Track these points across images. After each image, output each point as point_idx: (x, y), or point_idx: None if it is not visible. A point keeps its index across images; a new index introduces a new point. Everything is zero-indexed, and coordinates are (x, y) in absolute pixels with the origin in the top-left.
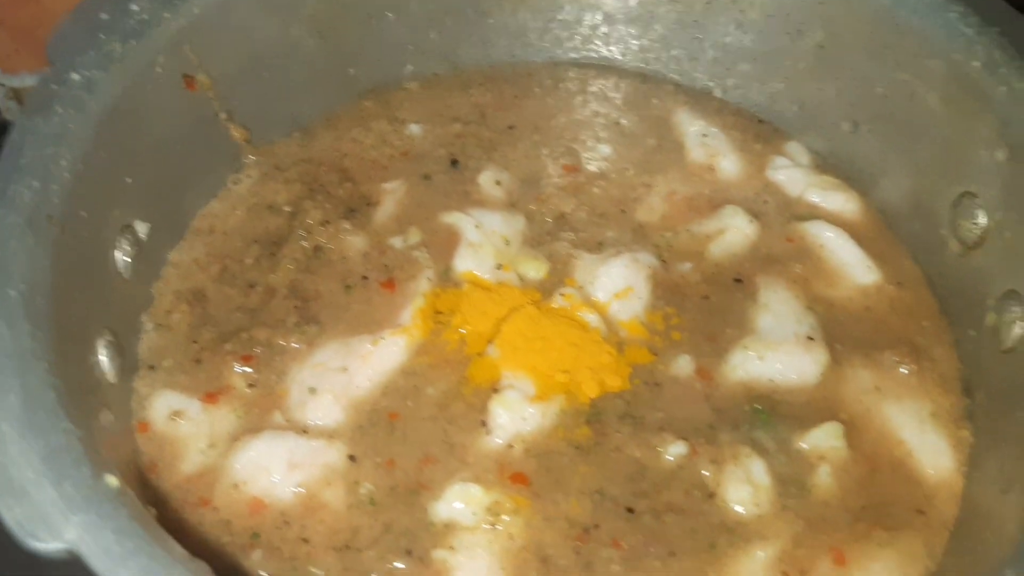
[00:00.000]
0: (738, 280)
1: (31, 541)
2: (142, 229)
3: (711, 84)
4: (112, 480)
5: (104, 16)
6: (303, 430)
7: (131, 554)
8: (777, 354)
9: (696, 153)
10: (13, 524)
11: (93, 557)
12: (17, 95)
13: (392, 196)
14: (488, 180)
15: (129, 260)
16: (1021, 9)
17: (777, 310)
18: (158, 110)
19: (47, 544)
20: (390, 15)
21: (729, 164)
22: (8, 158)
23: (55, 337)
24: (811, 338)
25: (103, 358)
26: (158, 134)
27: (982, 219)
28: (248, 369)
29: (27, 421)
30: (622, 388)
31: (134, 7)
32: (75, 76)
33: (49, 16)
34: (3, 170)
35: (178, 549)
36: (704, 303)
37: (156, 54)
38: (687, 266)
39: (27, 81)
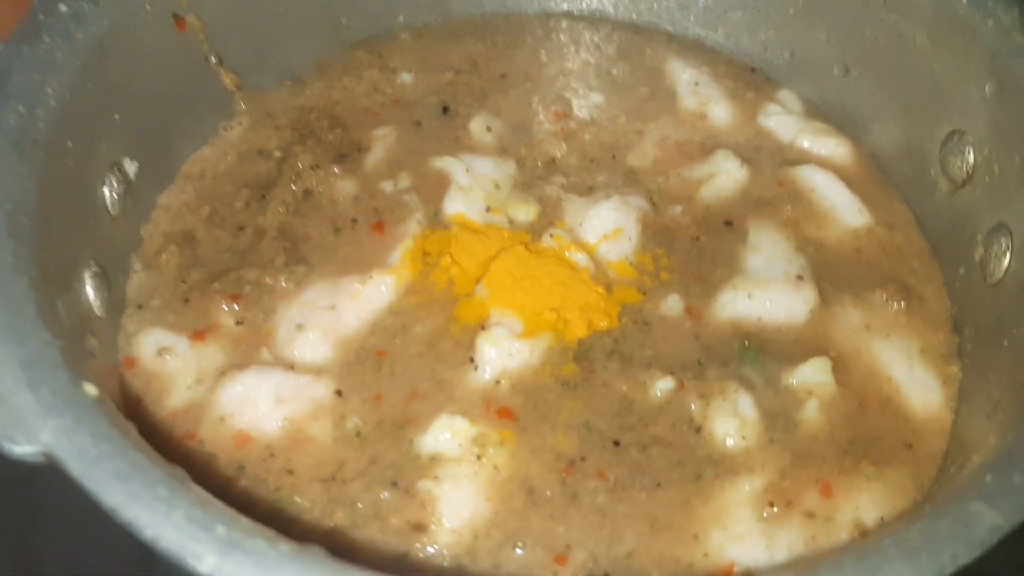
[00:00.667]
0: (728, 223)
1: (7, 444)
2: (131, 168)
3: (703, 33)
4: (90, 388)
5: None
6: (290, 366)
7: (107, 456)
8: (766, 293)
9: (688, 101)
10: None
11: (69, 459)
12: None
13: (383, 142)
14: (479, 126)
15: (117, 197)
16: None
17: (767, 251)
18: (147, 48)
19: (23, 447)
20: None
21: (721, 111)
22: None
23: (38, 257)
24: (800, 277)
25: (89, 288)
26: (147, 73)
27: (971, 156)
28: (236, 307)
29: (6, 329)
30: (610, 326)
31: None
32: (63, 7)
33: None
34: None
35: (154, 453)
36: (694, 245)
37: None
38: (678, 209)
39: None
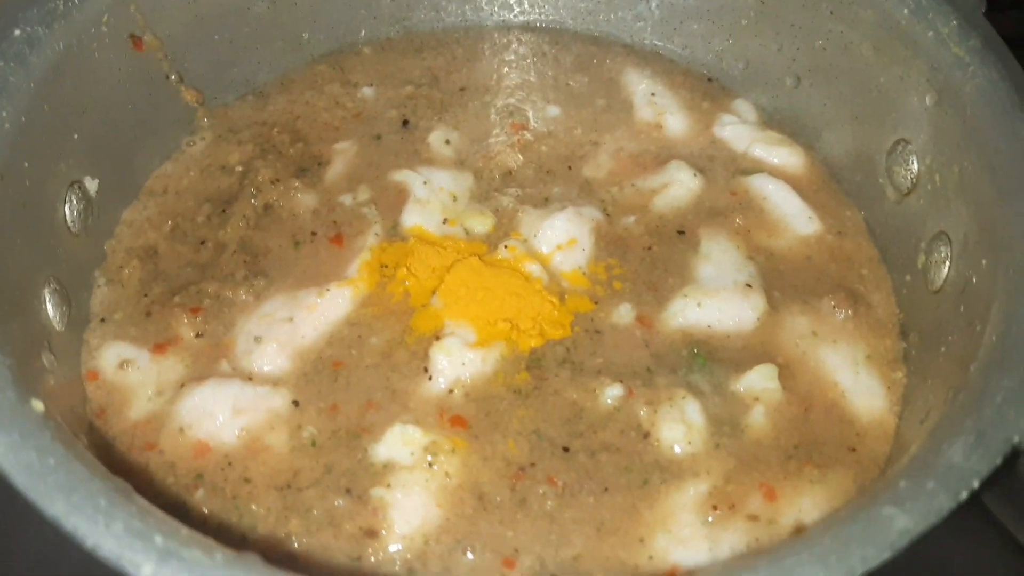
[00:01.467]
0: (681, 232)
1: None
2: (91, 186)
3: (660, 44)
4: (37, 404)
5: None
6: (248, 377)
7: (51, 470)
8: (715, 301)
9: (644, 112)
10: None
11: (14, 473)
12: None
13: (343, 156)
14: (438, 139)
15: (78, 215)
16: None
17: (718, 260)
18: (105, 69)
19: None
20: None
21: (676, 122)
22: None
23: None
24: (749, 285)
25: (48, 305)
26: (106, 93)
27: (915, 165)
28: (197, 320)
29: None
30: (563, 336)
31: None
32: (16, 32)
33: None
34: None
35: (100, 467)
36: (647, 254)
37: (101, 13)
38: (631, 219)
39: None
